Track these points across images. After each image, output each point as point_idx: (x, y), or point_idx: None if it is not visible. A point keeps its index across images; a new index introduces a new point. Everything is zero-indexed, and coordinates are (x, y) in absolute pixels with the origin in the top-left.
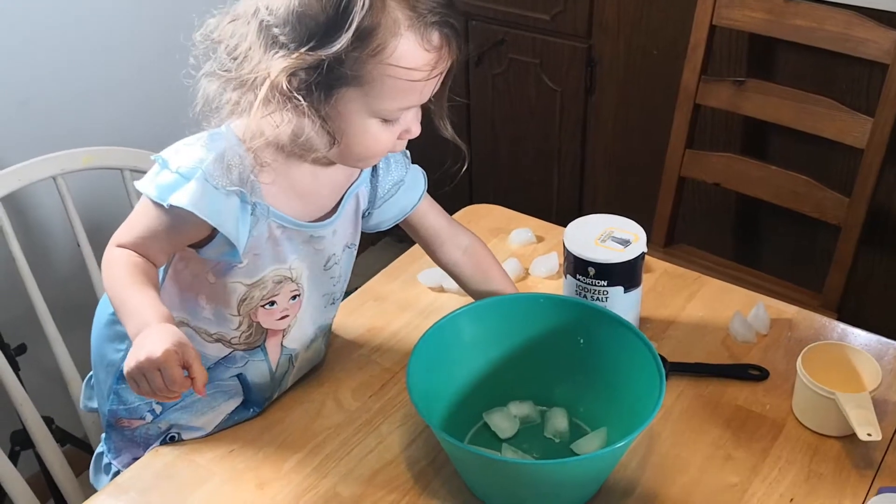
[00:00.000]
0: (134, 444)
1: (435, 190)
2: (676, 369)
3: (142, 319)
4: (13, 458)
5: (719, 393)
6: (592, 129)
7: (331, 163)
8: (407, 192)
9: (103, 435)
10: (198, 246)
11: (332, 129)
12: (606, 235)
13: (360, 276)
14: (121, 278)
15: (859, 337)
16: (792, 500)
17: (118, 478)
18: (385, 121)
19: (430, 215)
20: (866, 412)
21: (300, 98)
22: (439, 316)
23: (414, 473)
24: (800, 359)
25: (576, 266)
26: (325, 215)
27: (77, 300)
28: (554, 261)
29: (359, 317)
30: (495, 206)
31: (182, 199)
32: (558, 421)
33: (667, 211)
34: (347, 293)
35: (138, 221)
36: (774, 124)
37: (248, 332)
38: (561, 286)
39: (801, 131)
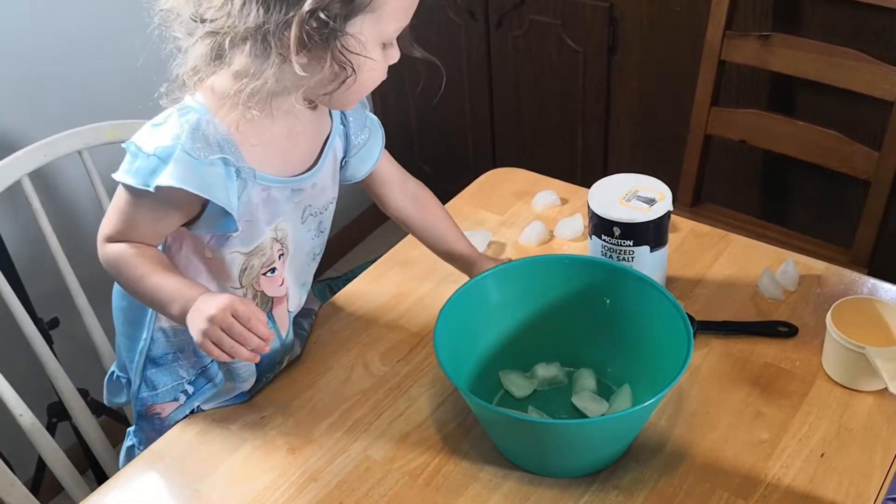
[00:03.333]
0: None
1: (456, 160)
2: (704, 328)
3: (184, 298)
4: (51, 429)
5: (748, 350)
6: (616, 88)
7: (307, 111)
8: (375, 139)
9: (132, 429)
10: (188, 224)
11: (346, 65)
12: (631, 195)
13: (384, 243)
14: (136, 273)
15: (890, 291)
16: (822, 455)
17: (153, 445)
18: (384, 48)
19: (385, 160)
20: None
21: (320, 39)
22: (465, 280)
23: (443, 435)
24: (829, 313)
25: (601, 226)
26: (306, 169)
27: (107, 273)
28: (579, 222)
29: (385, 282)
30: (519, 169)
31: (168, 179)
32: (586, 382)
33: (693, 169)
34: (373, 260)
35: (124, 212)
36: (801, 79)
37: (255, 302)
38: (586, 248)
39: (829, 85)
